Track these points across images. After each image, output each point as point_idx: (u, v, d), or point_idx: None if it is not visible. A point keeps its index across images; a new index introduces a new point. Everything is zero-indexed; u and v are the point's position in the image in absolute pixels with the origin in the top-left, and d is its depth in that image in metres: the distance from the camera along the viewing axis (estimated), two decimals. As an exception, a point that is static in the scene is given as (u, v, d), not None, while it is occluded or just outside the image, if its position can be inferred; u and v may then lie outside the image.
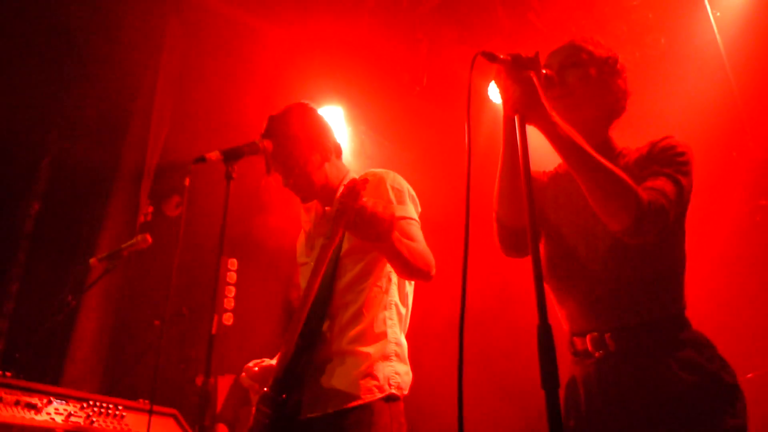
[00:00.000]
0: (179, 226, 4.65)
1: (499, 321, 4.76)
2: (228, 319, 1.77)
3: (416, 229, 2.09)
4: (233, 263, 1.78)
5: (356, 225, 1.72)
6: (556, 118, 1.49)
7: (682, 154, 1.64)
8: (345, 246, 2.15)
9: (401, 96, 5.14)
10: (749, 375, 3.43)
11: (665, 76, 4.77)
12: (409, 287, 2.24)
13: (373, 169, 2.26)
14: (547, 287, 1.83)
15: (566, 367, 1.86)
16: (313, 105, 2.37)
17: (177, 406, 2.95)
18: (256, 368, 2.19)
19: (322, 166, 2.27)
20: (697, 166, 1.69)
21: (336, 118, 5.05)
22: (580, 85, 1.73)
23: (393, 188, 2.15)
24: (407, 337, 2.19)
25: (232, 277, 1.78)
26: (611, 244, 1.63)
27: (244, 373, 2.21)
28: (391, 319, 2.10)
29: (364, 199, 1.73)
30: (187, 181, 1.81)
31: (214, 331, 1.67)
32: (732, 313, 4.02)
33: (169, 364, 4.17)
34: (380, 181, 2.18)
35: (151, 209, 2.90)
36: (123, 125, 4.77)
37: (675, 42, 4.97)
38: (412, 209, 2.15)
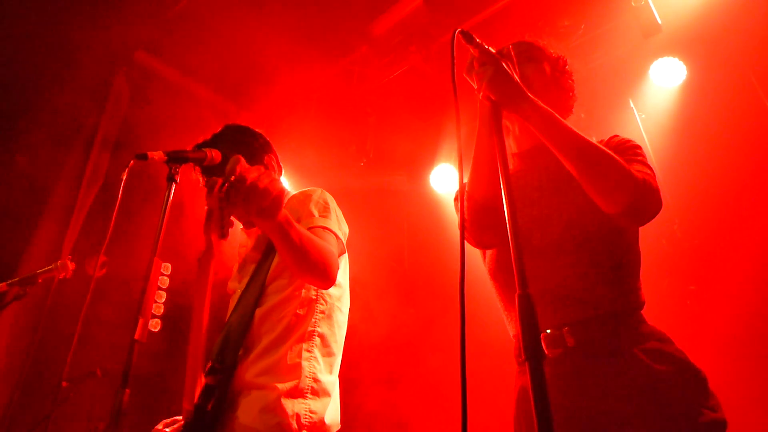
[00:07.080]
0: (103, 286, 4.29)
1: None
2: (155, 325, 1.54)
3: (330, 238, 1.92)
4: (167, 267, 1.59)
5: (233, 198, 1.44)
6: (537, 99, 1.45)
7: (638, 147, 1.61)
8: (271, 271, 1.96)
9: (347, 167, 5.16)
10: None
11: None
12: (341, 315, 2.04)
13: (306, 188, 2.15)
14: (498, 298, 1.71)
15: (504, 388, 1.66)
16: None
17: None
18: (167, 429, 1.91)
19: None
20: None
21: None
22: (537, 79, 1.70)
23: (317, 202, 2.01)
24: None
25: (163, 281, 1.58)
26: (570, 233, 1.53)
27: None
28: (309, 351, 1.87)
29: (246, 169, 1.48)
30: (124, 175, 1.64)
31: (137, 336, 1.45)
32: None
33: (75, 425, 3.66)
34: (306, 196, 2.05)
35: (73, 266, 2.63)
36: (53, 175, 4.50)
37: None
38: (333, 223, 1.99)
